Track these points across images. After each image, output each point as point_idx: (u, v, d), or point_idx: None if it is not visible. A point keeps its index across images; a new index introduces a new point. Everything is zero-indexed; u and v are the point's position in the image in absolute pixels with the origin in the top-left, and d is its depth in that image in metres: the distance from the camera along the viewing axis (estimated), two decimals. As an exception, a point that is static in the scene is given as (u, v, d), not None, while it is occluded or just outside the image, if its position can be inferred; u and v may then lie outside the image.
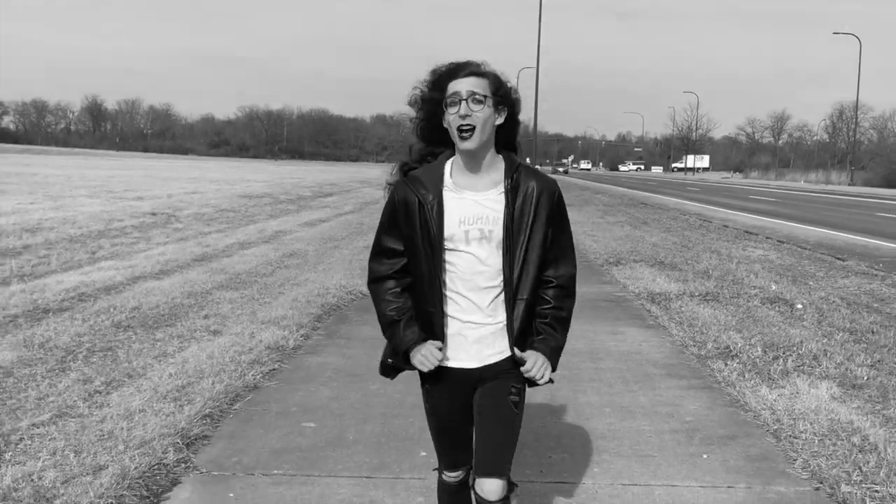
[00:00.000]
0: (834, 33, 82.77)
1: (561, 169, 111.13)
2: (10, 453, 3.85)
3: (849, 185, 67.96)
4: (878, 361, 5.93)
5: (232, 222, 17.24)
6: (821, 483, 3.74)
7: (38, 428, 4.19)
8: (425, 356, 2.40)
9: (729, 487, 3.70)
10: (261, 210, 21.13)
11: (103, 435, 4.04)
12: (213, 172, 48.80)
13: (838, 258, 12.38)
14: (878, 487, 3.64)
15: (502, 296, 2.41)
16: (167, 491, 3.54)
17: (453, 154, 2.43)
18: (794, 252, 13.19)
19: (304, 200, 25.93)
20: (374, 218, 19.24)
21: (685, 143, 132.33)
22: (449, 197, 2.39)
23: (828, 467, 3.87)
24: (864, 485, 3.67)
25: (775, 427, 4.47)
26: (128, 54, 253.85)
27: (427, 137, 2.45)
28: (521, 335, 2.42)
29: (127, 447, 3.87)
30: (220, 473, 3.75)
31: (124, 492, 3.43)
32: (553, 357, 2.46)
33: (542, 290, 2.45)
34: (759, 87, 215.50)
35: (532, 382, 2.46)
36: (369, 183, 42.57)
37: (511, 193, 2.37)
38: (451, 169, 2.42)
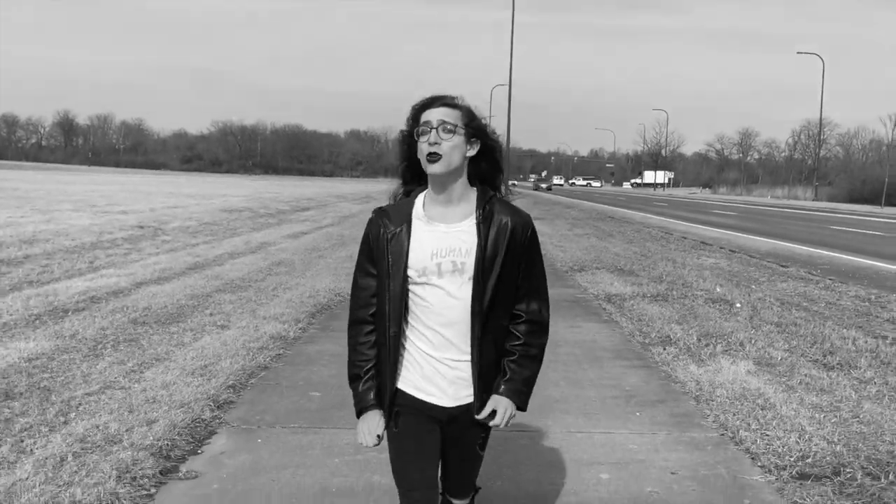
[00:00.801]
0: (798, 53, 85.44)
1: (544, 185, 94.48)
2: (73, 413, 4.72)
3: (813, 200, 69.99)
4: (794, 347, 6.98)
5: (216, 234, 18.01)
6: (725, 430, 4.74)
7: (91, 396, 5.06)
8: (364, 433, 2.42)
9: (653, 434, 4.69)
10: (242, 223, 21.91)
11: (148, 399, 4.93)
12: (190, 187, 49.36)
13: (782, 266, 13.56)
14: (769, 433, 4.64)
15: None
16: (208, 438, 4.44)
17: (426, 187, 2.45)
18: (743, 260, 14.34)
19: (284, 214, 26.73)
20: (353, 231, 20.13)
21: (655, 159, 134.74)
22: (420, 228, 2.39)
23: (733, 420, 4.87)
24: (758, 431, 4.67)
25: (697, 393, 5.48)
26: (100, 69, 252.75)
27: (408, 174, 2.49)
28: (488, 374, 2.40)
29: (170, 407, 4.76)
30: (247, 427, 4.66)
31: (175, 437, 4.33)
32: (520, 397, 2.43)
33: (513, 325, 2.43)
34: (729, 104, 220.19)
35: None
36: (345, 198, 43.46)
37: (483, 224, 2.36)
38: (424, 201, 2.43)
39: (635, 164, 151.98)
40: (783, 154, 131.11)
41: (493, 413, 2.38)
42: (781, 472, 4.08)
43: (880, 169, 66.50)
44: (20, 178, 53.26)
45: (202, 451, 4.25)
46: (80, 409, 4.81)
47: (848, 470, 4.12)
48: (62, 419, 4.62)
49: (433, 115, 2.34)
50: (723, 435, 4.69)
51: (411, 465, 2.45)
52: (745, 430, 4.68)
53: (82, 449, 4.10)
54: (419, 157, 2.36)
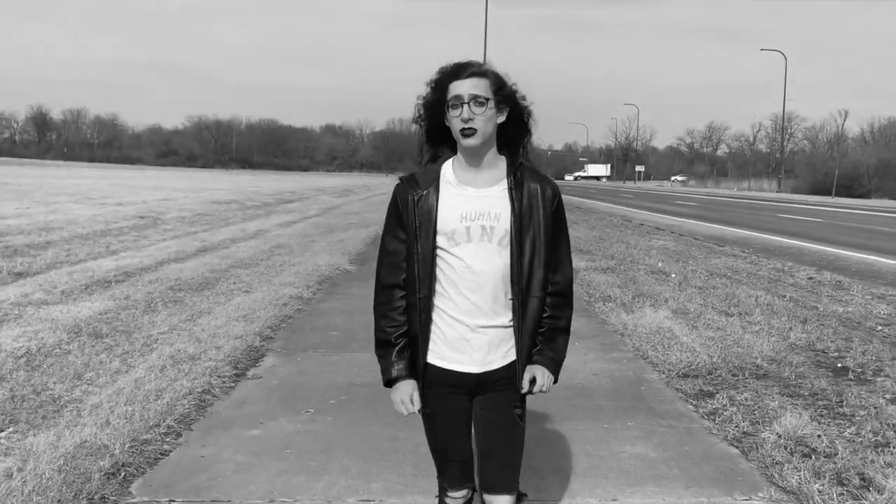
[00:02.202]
0: (761, 50, 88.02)
1: None
2: (155, 344, 6.33)
3: (777, 192, 72.50)
4: (707, 302, 8.75)
5: (212, 224, 19.50)
6: (638, 352, 6.48)
7: (163, 334, 6.67)
8: (403, 402, 2.44)
9: (584, 354, 6.41)
10: (233, 214, 23.39)
11: (210, 335, 6.56)
12: (172, 181, 50.49)
13: (719, 246, 15.44)
14: (668, 352, 6.37)
15: (505, 296, 2.40)
16: (261, 358, 6.09)
17: (455, 154, 2.45)
18: (688, 242, 16.21)
19: (269, 206, 28.20)
20: (338, 220, 21.73)
21: (625, 153, 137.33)
22: (449, 192, 2.40)
23: (644, 345, 6.61)
24: (661, 351, 6.41)
25: (623, 331, 7.21)
26: (73, 64, 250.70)
27: (433, 139, 2.48)
28: (531, 340, 2.42)
29: (229, 339, 6.40)
30: (288, 352, 6.31)
31: (238, 356, 5.98)
32: (554, 366, 2.45)
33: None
34: (702, 98, 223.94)
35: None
36: (324, 191, 44.91)
37: (516, 191, 2.38)
38: (453, 166, 2.44)
39: (607, 158, 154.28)
40: (752, 147, 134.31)
41: (533, 381, 2.42)
42: (670, 373, 5.83)
43: (834, 162, 69.32)
44: (4, 172, 53.96)
45: (260, 365, 5.91)
46: (160, 341, 6.43)
47: (717, 372, 5.87)
48: (149, 347, 6.24)
49: (464, 87, 2.33)
50: (635, 354, 6.44)
51: (446, 443, 2.53)
52: (652, 351, 6.43)
53: (174, 362, 5.73)
54: (451, 129, 2.38)
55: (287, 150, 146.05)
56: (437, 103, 2.38)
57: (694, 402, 5.18)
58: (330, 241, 14.96)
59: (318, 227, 19.02)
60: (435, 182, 2.42)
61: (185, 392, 5.00)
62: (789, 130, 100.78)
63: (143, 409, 4.63)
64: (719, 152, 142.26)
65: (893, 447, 4.29)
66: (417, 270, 2.40)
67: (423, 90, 2.44)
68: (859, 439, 4.45)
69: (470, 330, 2.40)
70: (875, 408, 5.00)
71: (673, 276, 10.90)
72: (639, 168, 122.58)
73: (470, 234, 2.36)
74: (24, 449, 4.00)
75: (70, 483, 3.57)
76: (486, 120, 2.33)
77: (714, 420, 4.81)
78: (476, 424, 2.50)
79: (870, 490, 3.68)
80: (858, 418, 4.82)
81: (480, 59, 2.47)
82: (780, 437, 4.42)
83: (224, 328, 6.82)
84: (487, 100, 2.33)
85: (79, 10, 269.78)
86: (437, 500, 2.65)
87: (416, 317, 2.42)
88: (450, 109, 2.35)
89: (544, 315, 2.44)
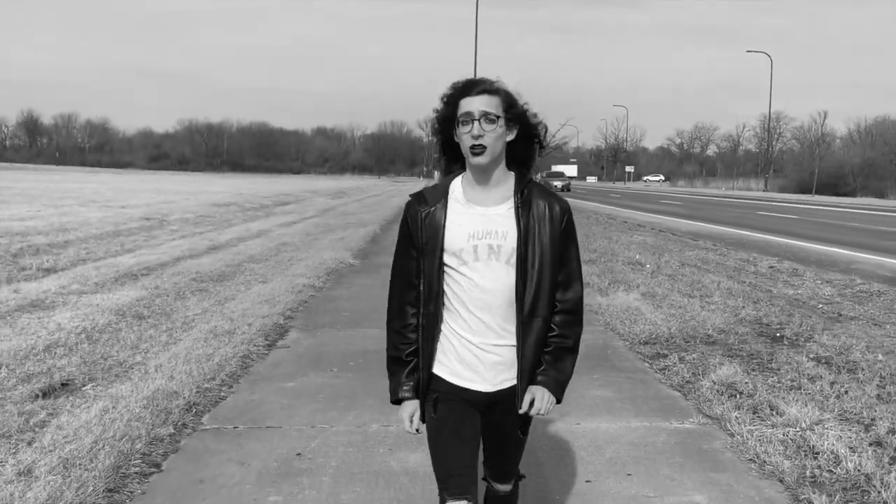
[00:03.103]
0: (747, 51, 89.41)
1: (558, 183, 72.58)
2: (194, 322, 7.36)
3: (763, 191, 73.89)
4: (674, 287, 9.84)
5: (216, 225, 20.48)
6: (608, 325, 7.56)
7: (199, 315, 7.71)
8: (403, 420, 2.51)
9: (563, 328, 7.48)
10: (234, 216, 24.37)
11: (241, 314, 7.60)
12: (169, 185, 51.38)
13: (694, 240, 16.56)
14: (634, 325, 7.45)
15: (515, 315, 2.40)
16: (286, 333, 7.14)
17: (464, 171, 2.46)
18: (666, 237, 17.33)
19: (267, 208, 29.17)
20: (336, 221, 22.75)
21: (615, 153, 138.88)
22: (457, 210, 2.41)
23: (614, 321, 7.69)
24: (628, 325, 7.48)
25: (597, 310, 8.29)
26: (63, 68, 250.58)
27: (447, 153, 2.49)
28: (533, 360, 2.42)
29: (257, 318, 7.44)
30: (308, 329, 7.36)
31: (268, 331, 7.03)
32: (557, 387, 2.44)
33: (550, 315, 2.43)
34: (694, 98, 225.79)
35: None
36: (318, 193, 45.91)
37: (523, 208, 2.38)
38: (462, 184, 2.45)
39: (597, 159, 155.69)
40: (738, 147, 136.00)
41: (532, 402, 2.42)
42: (633, 341, 6.91)
43: (823, 161, 70.83)
44: (3, 177, 54.68)
45: (286, 338, 6.96)
46: (196, 320, 7.47)
47: (673, 340, 6.96)
48: (188, 325, 7.27)
49: (474, 104, 2.34)
50: (605, 328, 7.52)
51: (449, 451, 2.47)
52: (620, 325, 7.51)
53: (214, 335, 6.76)
54: (461, 146, 2.39)
55: (278, 153, 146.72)
56: (448, 119, 2.41)
57: (650, 362, 6.26)
58: (331, 239, 15.99)
59: (318, 227, 20.03)
60: (443, 199, 2.45)
61: (230, 356, 6.05)
62: (778, 130, 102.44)
63: (198, 367, 5.67)
64: (709, 152, 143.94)
65: (803, 390, 5.38)
66: (425, 286, 2.44)
67: (436, 104, 2.48)
68: (778, 385, 5.54)
69: (480, 349, 2.42)
70: (797, 363, 6.09)
71: (647, 266, 11.98)
72: (628, 169, 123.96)
73: (477, 253, 2.38)
74: (111, 395, 5.04)
75: (157, 414, 4.61)
76: (495, 138, 2.35)
77: (664, 373, 5.89)
78: (483, 436, 2.58)
79: (774, 415, 4.76)
80: (782, 371, 5.91)
81: (471, 65, 3.04)
82: (714, 383, 5.50)
83: (251, 310, 7.86)
84: (498, 117, 2.34)
85: (69, 14, 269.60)
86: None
87: (423, 332, 2.47)
88: (460, 126, 2.37)
89: (552, 334, 2.45)
